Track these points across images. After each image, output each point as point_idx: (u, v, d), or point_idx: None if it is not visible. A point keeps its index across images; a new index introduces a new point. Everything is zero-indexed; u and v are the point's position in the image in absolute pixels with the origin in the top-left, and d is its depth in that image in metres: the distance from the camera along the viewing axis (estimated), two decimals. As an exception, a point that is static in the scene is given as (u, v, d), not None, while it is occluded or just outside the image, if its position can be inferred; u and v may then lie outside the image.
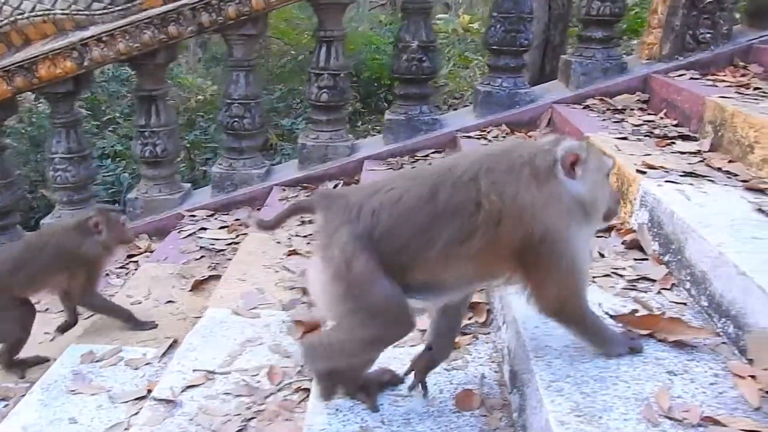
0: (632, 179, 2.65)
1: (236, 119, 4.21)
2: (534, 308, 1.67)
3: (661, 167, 2.71)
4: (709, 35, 4.00)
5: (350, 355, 1.71)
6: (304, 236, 3.49)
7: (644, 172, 2.65)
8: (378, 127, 6.42)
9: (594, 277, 2.18)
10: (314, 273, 1.63)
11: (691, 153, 2.98)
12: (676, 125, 3.50)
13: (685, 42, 4.03)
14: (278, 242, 3.42)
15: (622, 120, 3.65)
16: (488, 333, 2.24)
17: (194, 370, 2.32)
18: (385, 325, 1.60)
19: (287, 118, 8.22)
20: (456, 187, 1.55)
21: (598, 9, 4.06)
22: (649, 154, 2.94)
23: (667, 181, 2.55)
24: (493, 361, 2.08)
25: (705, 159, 2.89)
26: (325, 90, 4.23)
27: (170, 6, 3.83)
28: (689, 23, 4.00)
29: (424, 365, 1.88)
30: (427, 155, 4.17)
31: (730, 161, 2.85)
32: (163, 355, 2.70)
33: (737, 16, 4.26)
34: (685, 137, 3.27)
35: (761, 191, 2.43)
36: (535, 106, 4.15)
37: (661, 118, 3.66)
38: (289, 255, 3.28)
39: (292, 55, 8.95)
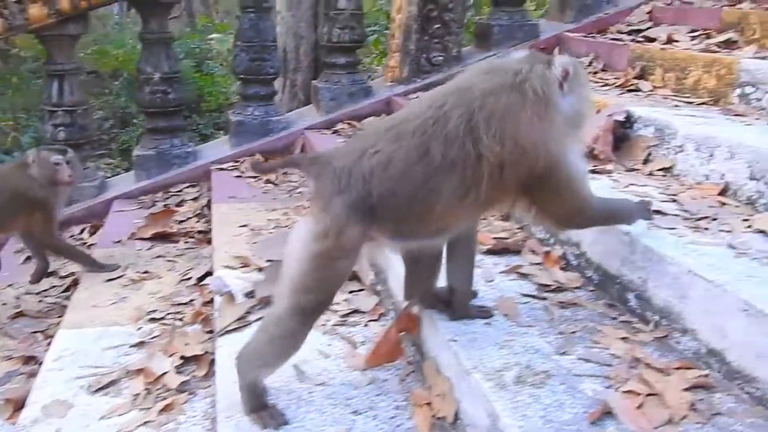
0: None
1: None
2: (545, 225, 1.80)
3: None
4: (441, 58, 4.31)
5: (284, 334, 1.65)
6: (36, 293, 3.19)
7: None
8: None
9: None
10: (299, 230, 1.59)
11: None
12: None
13: (420, 65, 4.30)
14: (4, 303, 3.09)
15: (365, 144, 3.80)
16: (209, 386, 2.18)
17: None
18: (326, 294, 1.63)
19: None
20: (449, 141, 1.50)
21: (338, 36, 4.19)
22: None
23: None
24: (207, 418, 2.02)
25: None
26: (62, 128, 3.91)
27: None
28: (422, 47, 4.27)
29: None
30: (180, 190, 4.02)
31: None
32: None
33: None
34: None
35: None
36: (288, 133, 4.18)
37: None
38: (14, 318, 2.97)
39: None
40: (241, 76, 4.17)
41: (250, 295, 2.37)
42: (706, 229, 1.94)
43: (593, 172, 2.55)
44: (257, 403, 1.70)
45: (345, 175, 1.52)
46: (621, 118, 2.70)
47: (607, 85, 3.52)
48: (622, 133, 2.77)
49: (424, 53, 4.29)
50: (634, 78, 3.53)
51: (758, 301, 1.46)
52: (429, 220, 1.56)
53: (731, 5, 4.27)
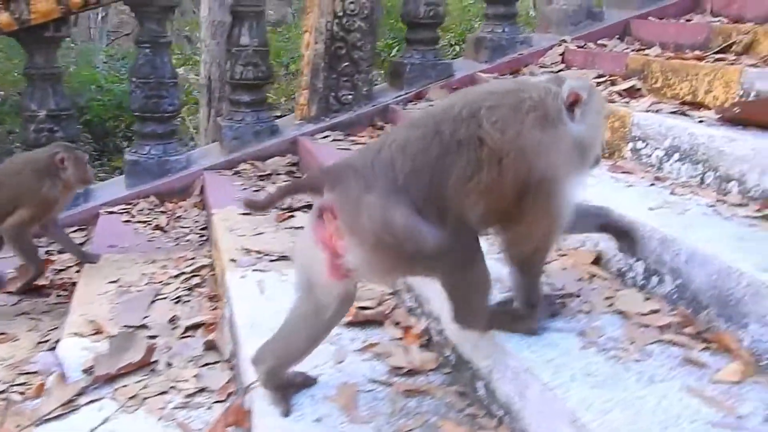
0: (223, 269, 2.56)
1: None
2: (509, 251, 1.65)
3: (259, 251, 2.66)
4: (350, 96, 4.18)
5: (476, 283, 1.61)
6: None
7: (235, 261, 2.57)
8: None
9: (145, 398, 2.00)
10: (357, 255, 1.45)
11: (299, 228, 3.00)
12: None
13: (329, 103, 4.16)
14: None
15: (263, 188, 3.62)
16: None
17: None
18: (465, 249, 1.54)
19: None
20: (456, 122, 1.52)
21: (241, 73, 4.02)
22: (261, 233, 2.90)
23: (255, 270, 2.50)
24: None
25: (313, 234, 2.92)
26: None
27: None
28: (330, 85, 4.14)
29: None
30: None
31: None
32: None
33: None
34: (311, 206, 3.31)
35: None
36: (188, 173, 3.98)
37: (303, 182, 3.70)
38: None
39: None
40: (137, 114, 3.95)
41: (89, 371, 2.15)
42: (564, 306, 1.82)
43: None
44: (507, 317, 1.70)
45: (368, 170, 1.47)
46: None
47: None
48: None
49: (333, 91, 4.15)
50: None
51: (586, 412, 1.32)
52: (446, 201, 1.51)
53: (640, 50, 4.27)
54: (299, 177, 3.82)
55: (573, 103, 1.57)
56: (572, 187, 1.59)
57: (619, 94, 3.46)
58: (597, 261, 2.13)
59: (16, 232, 2.86)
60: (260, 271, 2.48)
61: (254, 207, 1.63)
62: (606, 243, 2.10)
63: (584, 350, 1.59)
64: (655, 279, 1.90)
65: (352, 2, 4.00)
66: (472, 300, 1.63)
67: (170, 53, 4.01)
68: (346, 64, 4.11)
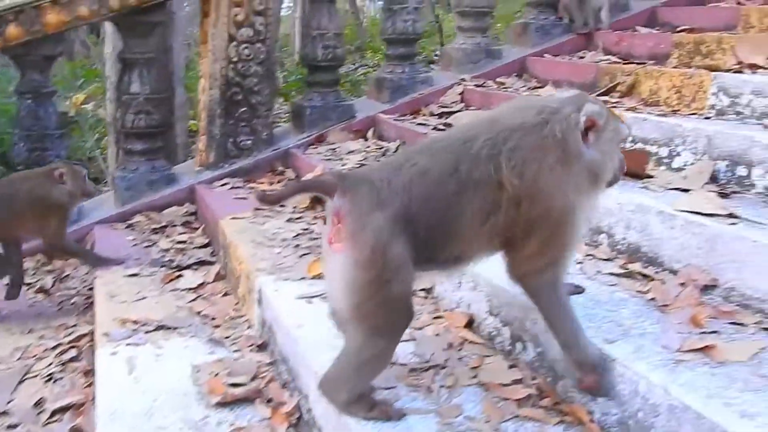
0: (98, 343, 2.43)
1: None
2: (515, 271, 1.63)
3: (137, 321, 2.55)
4: (249, 141, 4.10)
5: (373, 358, 1.59)
6: None
7: (107, 335, 2.45)
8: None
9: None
10: (340, 260, 1.49)
11: (191, 289, 2.90)
12: (205, 245, 3.46)
13: (227, 149, 4.07)
14: None
15: (155, 243, 3.50)
16: None
17: None
18: (400, 315, 1.55)
19: None
20: (475, 162, 1.51)
21: (132, 122, 3.88)
22: (143, 298, 2.79)
23: (128, 344, 2.39)
24: None
25: (200, 295, 2.84)
26: None
27: None
28: (228, 131, 4.06)
29: None
30: None
31: (224, 294, 2.83)
32: None
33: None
34: (204, 263, 3.22)
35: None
36: (78, 228, 3.79)
37: (200, 235, 3.60)
38: None
39: None
40: (20, 168, 3.76)
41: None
42: (427, 389, 1.79)
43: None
44: (366, 403, 1.61)
45: (385, 187, 1.49)
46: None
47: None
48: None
49: (231, 137, 4.07)
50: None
51: None
52: (454, 239, 1.55)
53: (535, 88, 4.39)
54: (196, 228, 3.72)
55: (589, 128, 1.57)
56: (584, 212, 1.63)
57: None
58: (469, 324, 2.13)
59: (59, 244, 3.17)
60: (134, 345, 2.37)
61: (265, 201, 1.74)
62: (478, 305, 2.10)
63: (439, 434, 1.57)
64: (519, 345, 1.91)
65: (246, 48, 3.95)
66: (353, 371, 1.60)
67: (55, 103, 3.84)
68: (244, 109, 4.04)
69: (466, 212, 1.52)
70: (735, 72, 3.30)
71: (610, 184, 1.71)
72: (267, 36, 3.99)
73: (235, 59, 3.95)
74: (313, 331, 2.09)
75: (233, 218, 3.33)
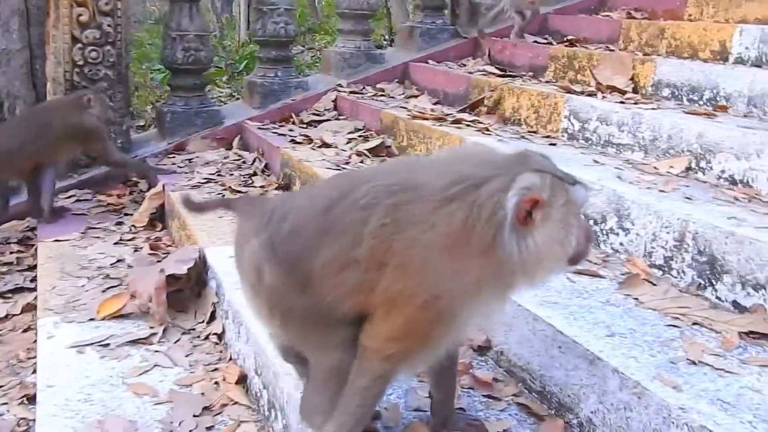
0: None
1: None
2: (361, 338, 1.31)
3: None
4: (102, 150, 3.84)
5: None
6: None
7: None
8: None
9: None
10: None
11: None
12: (33, 266, 3.20)
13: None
14: None
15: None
16: None
17: None
18: (321, 328, 1.36)
19: None
20: (351, 206, 1.29)
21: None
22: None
23: None
24: None
25: (-3, 331, 2.60)
26: None
27: None
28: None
29: None
30: None
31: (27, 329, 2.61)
32: None
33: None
34: (22, 290, 2.97)
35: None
36: None
37: (33, 255, 3.34)
38: None
39: None
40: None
41: None
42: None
43: (137, 342, 2.22)
44: None
45: (268, 215, 1.41)
46: (183, 269, 2.37)
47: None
48: (197, 281, 2.47)
49: (82, 146, 3.80)
50: (278, 188, 3.28)
51: None
52: (313, 283, 1.31)
53: (413, 96, 4.23)
54: (34, 245, 3.45)
55: (531, 209, 1.19)
56: (473, 314, 1.30)
57: (368, 152, 3.35)
58: (243, 380, 1.97)
59: (114, 159, 3.55)
60: None
61: (192, 208, 1.72)
62: (250, 361, 1.94)
63: None
64: (273, 412, 1.76)
65: (93, 50, 3.67)
66: (318, 392, 1.42)
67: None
68: None
69: (323, 254, 1.30)
70: (588, 95, 3.19)
71: (574, 261, 1.30)
72: (117, 38, 3.72)
73: (80, 62, 3.67)
74: (58, 395, 1.90)
75: (56, 240, 3.10)
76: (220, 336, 2.24)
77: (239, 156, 3.83)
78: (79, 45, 3.65)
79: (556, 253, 1.24)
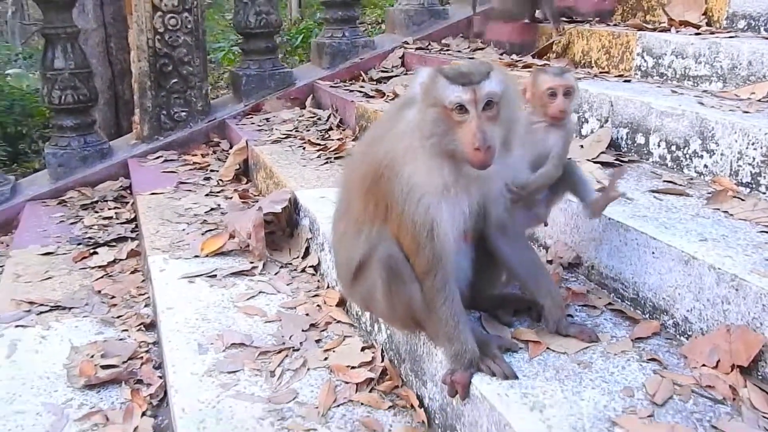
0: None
1: None
2: None
3: (33, 302, 2.52)
4: (184, 113, 4.04)
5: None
6: None
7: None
8: None
9: None
10: None
11: (101, 267, 2.88)
12: (132, 220, 3.43)
13: (161, 122, 4.02)
14: None
15: (82, 219, 3.47)
16: None
17: None
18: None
19: None
20: None
21: (60, 98, 3.81)
22: (49, 277, 2.78)
23: (17, 326, 2.37)
24: None
25: (108, 274, 2.82)
26: None
27: None
28: (161, 103, 3.99)
29: None
30: None
31: (133, 271, 2.82)
32: None
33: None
34: (123, 239, 3.19)
35: None
36: (10, 206, 3.76)
37: (129, 210, 3.57)
38: None
39: None
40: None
41: None
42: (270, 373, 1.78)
43: (240, 274, 2.39)
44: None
45: None
46: (278, 209, 2.52)
47: (326, 149, 3.33)
48: (288, 223, 2.61)
49: (164, 109, 4.00)
50: (354, 140, 3.39)
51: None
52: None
53: (482, 47, 4.26)
54: (128, 202, 3.69)
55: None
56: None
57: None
58: (342, 302, 2.11)
59: None
60: (22, 327, 2.37)
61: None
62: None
63: (261, 420, 1.56)
64: (376, 326, 1.89)
65: (173, 17, 3.85)
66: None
67: None
68: (175, 80, 3.97)
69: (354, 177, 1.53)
70: (661, 31, 3.17)
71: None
72: (194, 4, 3.89)
73: (161, 30, 3.86)
74: (178, 315, 2.08)
75: (152, 193, 3.31)
76: (316, 268, 2.39)
77: (313, 113, 3.97)
78: (159, 13, 3.83)
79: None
